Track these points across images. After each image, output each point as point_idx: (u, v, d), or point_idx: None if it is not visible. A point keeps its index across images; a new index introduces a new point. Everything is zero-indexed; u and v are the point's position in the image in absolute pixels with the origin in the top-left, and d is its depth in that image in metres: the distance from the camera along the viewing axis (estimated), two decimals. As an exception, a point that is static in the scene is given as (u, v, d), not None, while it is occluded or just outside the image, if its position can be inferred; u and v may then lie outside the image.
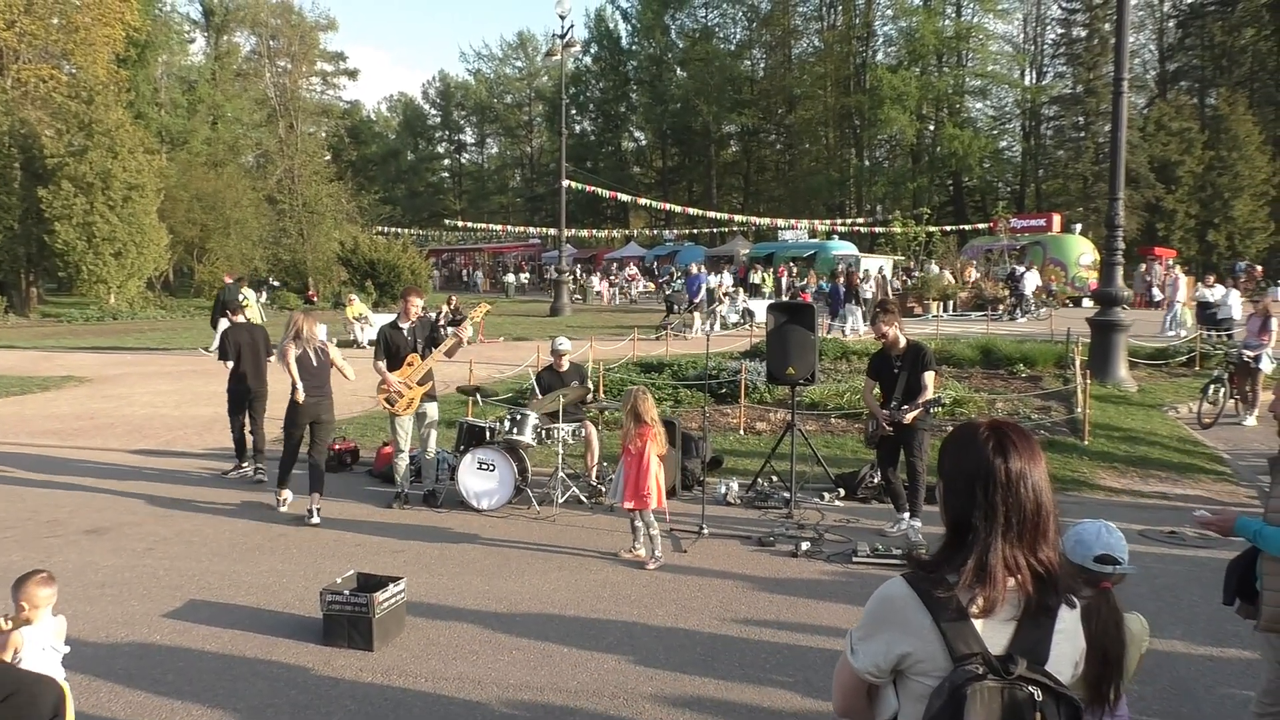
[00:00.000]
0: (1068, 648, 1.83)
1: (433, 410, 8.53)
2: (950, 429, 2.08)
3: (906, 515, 7.34)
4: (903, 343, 7.37)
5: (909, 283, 33.30)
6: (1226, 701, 4.54)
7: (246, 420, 9.65)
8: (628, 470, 6.71)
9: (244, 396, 9.58)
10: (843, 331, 24.10)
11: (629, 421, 6.76)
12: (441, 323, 21.54)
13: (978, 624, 1.76)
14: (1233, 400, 12.51)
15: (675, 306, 26.26)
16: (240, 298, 22.14)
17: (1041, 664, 1.75)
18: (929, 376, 7.20)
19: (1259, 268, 37.56)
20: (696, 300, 26.48)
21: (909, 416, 7.11)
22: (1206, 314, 19.71)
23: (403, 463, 8.44)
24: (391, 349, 8.42)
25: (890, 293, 29.63)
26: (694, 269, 30.17)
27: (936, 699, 1.72)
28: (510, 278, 50.97)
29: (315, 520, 7.71)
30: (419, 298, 8.69)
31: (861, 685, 1.92)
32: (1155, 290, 31.38)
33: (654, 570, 6.51)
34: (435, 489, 8.48)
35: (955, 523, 1.86)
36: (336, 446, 9.91)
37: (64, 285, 42.71)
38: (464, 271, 59.08)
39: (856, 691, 1.93)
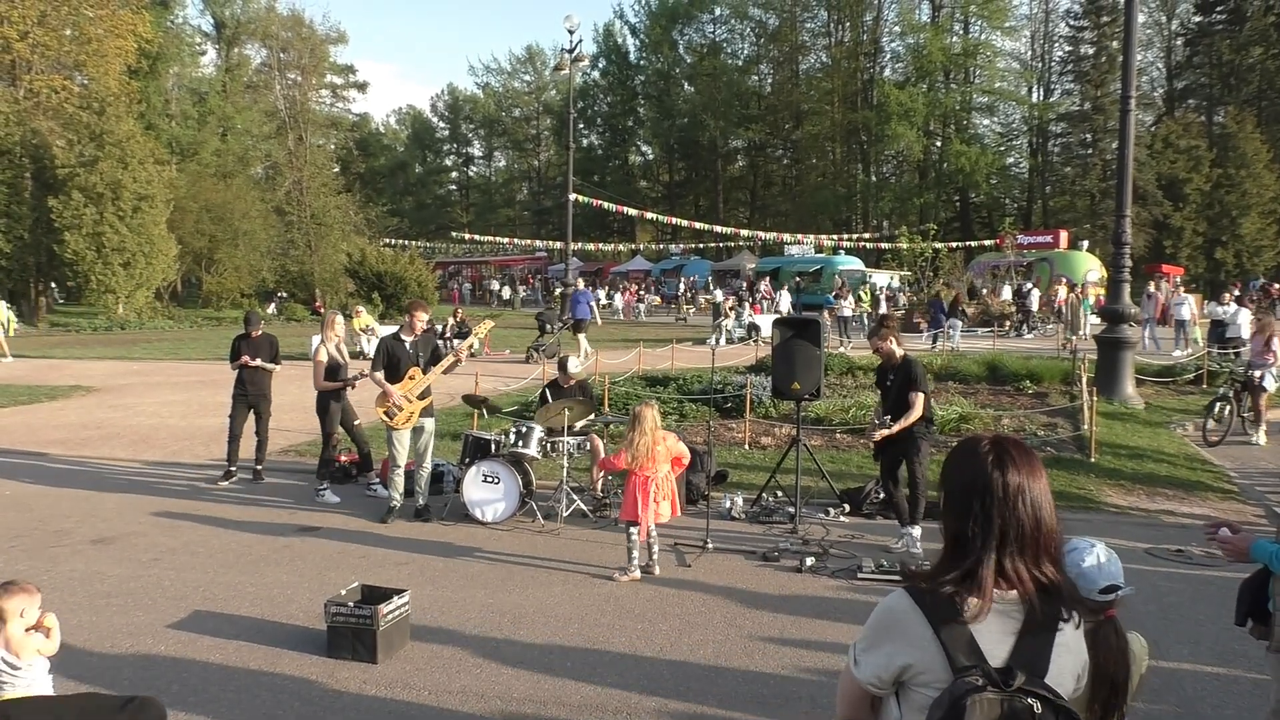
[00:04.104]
0: (1068, 661, 1.84)
1: (429, 425, 8.47)
2: (954, 444, 2.10)
3: (911, 527, 7.36)
4: (897, 357, 7.41)
5: (915, 298, 33.30)
6: (1233, 722, 4.51)
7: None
8: (627, 487, 6.76)
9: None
10: (937, 342, 24.56)
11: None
12: (447, 335, 21.63)
13: (978, 636, 1.78)
14: (1240, 418, 12.46)
15: (549, 326, 23.81)
16: None
17: (1041, 676, 1.77)
18: (914, 396, 7.16)
19: (1276, 285, 37.43)
20: (580, 319, 23.62)
21: (878, 435, 7.27)
22: (1218, 331, 19.69)
23: (399, 477, 8.39)
24: (392, 361, 8.32)
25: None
26: (579, 284, 26.56)
27: (936, 710, 1.74)
28: (506, 291, 50.93)
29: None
30: (425, 312, 8.63)
31: (865, 696, 1.94)
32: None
33: (657, 584, 6.49)
34: (427, 504, 8.41)
35: (954, 535, 1.90)
36: (342, 458, 9.93)
37: (73, 295, 42.95)
38: (510, 283, 57.68)
39: (860, 702, 1.96)
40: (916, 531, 7.29)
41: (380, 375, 8.25)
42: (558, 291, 34.31)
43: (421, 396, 8.33)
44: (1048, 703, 1.72)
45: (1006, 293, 32.31)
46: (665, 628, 5.71)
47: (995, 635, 1.79)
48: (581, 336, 22.48)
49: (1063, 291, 28.77)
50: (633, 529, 6.62)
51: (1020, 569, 1.81)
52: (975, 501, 1.85)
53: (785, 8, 64.54)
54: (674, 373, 16.19)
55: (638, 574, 6.60)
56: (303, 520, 8.28)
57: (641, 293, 46.00)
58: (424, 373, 8.33)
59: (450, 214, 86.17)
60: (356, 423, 9.74)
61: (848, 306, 28.14)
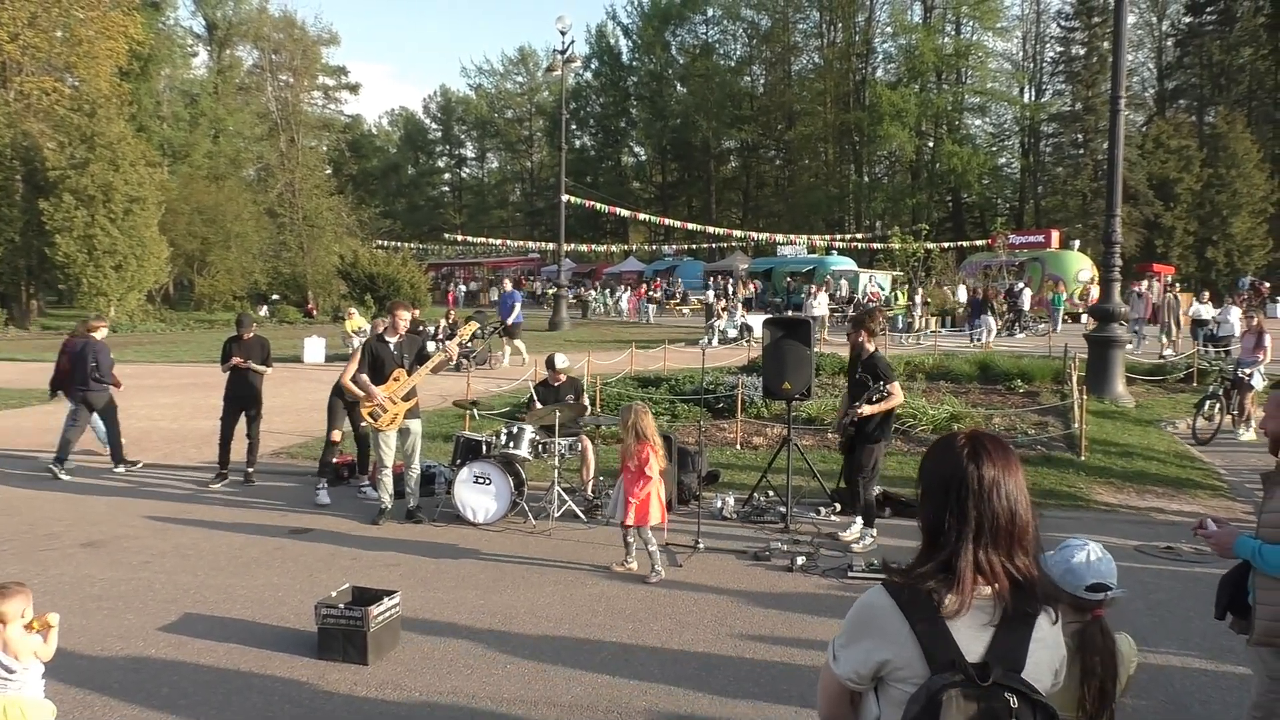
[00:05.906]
0: (1045, 656, 1.85)
1: (415, 427, 8.40)
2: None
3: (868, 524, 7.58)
4: (867, 351, 7.55)
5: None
6: (1220, 716, 4.55)
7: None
8: (627, 486, 6.72)
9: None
10: (974, 339, 24.99)
11: (629, 438, 6.77)
12: (440, 336, 21.54)
13: (955, 631, 1.79)
14: (1229, 416, 12.55)
15: (480, 331, 22.13)
16: None
17: (1018, 671, 1.77)
18: (892, 386, 7.38)
19: (1266, 284, 37.59)
20: (509, 323, 22.05)
21: (865, 410, 7.39)
22: (1203, 331, 19.80)
23: (387, 479, 8.35)
24: (376, 363, 8.23)
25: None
26: (506, 285, 24.94)
27: (913, 705, 1.74)
28: (495, 292, 50.55)
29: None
30: (407, 311, 8.54)
31: (844, 692, 1.94)
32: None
33: (649, 584, 6.50)
34: (418, 505, 8.40)
35: (930, 528, 1.90)
36: (335, 460, 9.90)
37: (64, 297, 42.81)
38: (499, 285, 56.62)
39: (840, 698, 1.96)
40: (855, 529, 7.54)
41: (364, 377, 8.18)
42: (486, 295, 31.96)
43: (406, 398, 8.26)
44: (1024, 697, 1.73)
45: (962, 293, 32.77)
46: (657, 627, 5.72)
47: (972, 630, 1.79)
48: (517, 341, 21.64)
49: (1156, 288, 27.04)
50: (648, 532, 6.69)
51: (994, 562, 1.82)
52: (951, 495, 1.86)
53: (777, 9, 64.61)
54: (666, 373, 16.21)
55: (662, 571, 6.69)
56: (294, 522, 8.28)
57: (651, 293, 45.44)
58: (409, 374, 8.28)
59: (443, 215, 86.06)
60: (363, 424, 9.72)
61: (819, 306, 28.41)
